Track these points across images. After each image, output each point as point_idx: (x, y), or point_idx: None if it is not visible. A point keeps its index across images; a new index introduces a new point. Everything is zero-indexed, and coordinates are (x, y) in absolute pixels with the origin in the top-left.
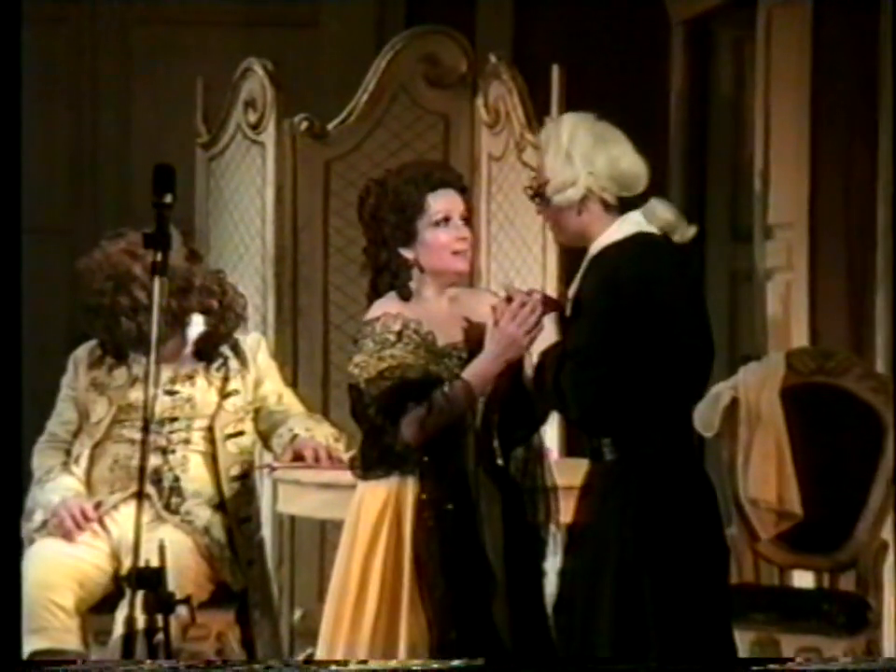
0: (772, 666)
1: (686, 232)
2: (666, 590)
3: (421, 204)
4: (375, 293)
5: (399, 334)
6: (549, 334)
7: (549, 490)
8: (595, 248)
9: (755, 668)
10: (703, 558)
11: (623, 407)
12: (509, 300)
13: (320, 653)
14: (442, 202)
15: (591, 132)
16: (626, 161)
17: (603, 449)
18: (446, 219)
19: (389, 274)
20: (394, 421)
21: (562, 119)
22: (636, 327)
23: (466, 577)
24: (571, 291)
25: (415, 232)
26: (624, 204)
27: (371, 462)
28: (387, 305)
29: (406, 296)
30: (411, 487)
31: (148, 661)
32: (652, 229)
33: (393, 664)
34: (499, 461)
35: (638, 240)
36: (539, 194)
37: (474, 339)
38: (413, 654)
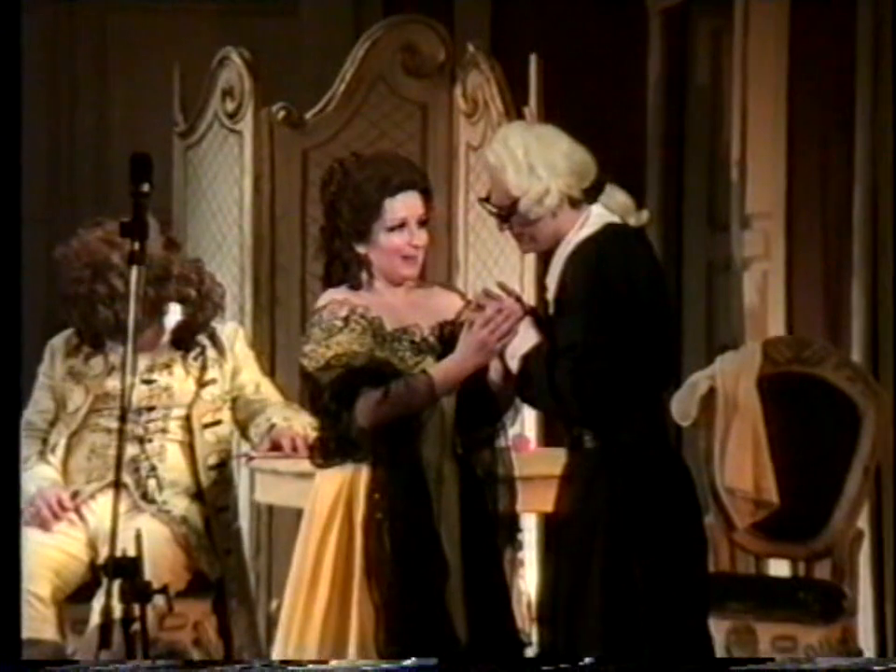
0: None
1: (640, 217)
2: (654, 577)
3: (378, 208)
4: (328, 280)
5: (346, 320)
6: (523, 340)
7: (512, 481)
8: (567, 246)
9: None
10: (686, 545)
11: (619, 398)
12: (479, 307)
13: (278, 644)
14: (400, 206)
15: (537, 137)
16: (576, 153)
17: (584, 437)
18: (402, 224)
19: (340, 265)
20: (348, 407)
21: (508, 135)
22: (624, 318)
23: (415, 566)
24: (551, 291)
25: (369, 233)
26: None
27: (328, 451)
28: (335, 293)
29: (356, 286)
30: (364, 476)
31: (152, 661)
32: (616, 219)
33: (383, 664)
34: (459, 451)
35: (612, 232)
36: (510, 214)
37: (436, 326)
38: (363, 645)
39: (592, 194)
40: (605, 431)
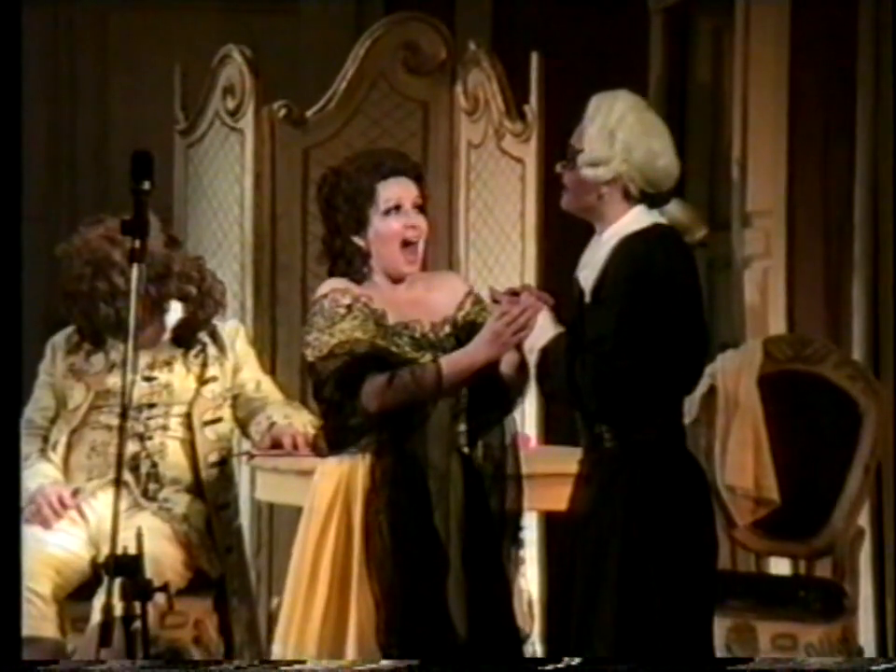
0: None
1: (696, 235)
2: (668, 577)
3: (371, 192)
4: (331, 277)
5: (349, 308)
6: (541, 332)
7: (519, 478)
8: (613, 237)
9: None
10: (698, 546)
11: (639, 399)
12: (496, 301)
13: (277, 641)
14: (393, 189)
15: (640, 119)
16: (664, 159)
17: (604, 436)
18: (397, 207)
19: (344, 262)
20: (352, 396)
21: (617, 97)
22: (660, 320)
23: (415, 563)
24: (589, 280)
25: (366, 220)
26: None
27: (331, 441)
28: (336, 282)
29: (358, 280)
30: (362, 471)
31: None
32: (663, 219)
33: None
34: (465, 448)
35: (661, 232)
36: (568, 157)
37: (438, 322)
38: (362, 642)
39: (649, 200)
40: (624, 430)
